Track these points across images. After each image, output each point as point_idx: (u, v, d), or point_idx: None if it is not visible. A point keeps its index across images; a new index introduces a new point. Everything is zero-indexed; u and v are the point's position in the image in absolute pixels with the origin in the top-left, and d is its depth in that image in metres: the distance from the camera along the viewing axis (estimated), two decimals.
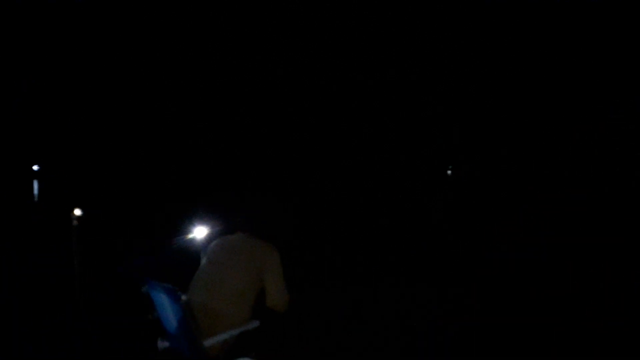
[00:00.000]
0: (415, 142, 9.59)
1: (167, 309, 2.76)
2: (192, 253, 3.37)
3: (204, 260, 3.07)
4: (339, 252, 6.72)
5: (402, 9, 8.45)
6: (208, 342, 2.67)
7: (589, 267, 5.21)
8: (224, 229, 3.25)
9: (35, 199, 8.15)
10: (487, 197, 8.31)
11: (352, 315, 4.41)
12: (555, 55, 8.47)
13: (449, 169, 9.88)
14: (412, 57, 8.93)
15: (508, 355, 3.40)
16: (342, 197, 8.91)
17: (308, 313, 4.25)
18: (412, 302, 4.58)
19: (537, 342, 3.55)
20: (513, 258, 5.66)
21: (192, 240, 3.41)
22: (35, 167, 7.83)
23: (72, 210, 4.06)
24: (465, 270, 5.49)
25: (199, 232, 3.39)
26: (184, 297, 2.58)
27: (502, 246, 6.17)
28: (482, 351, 3.48)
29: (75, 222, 4.04)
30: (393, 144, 9.51)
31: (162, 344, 2.87)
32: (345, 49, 8.69)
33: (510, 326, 3.77)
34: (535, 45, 8.49)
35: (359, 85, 9.09)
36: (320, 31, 8.49)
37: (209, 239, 3.27)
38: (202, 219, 3.45)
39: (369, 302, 4.73)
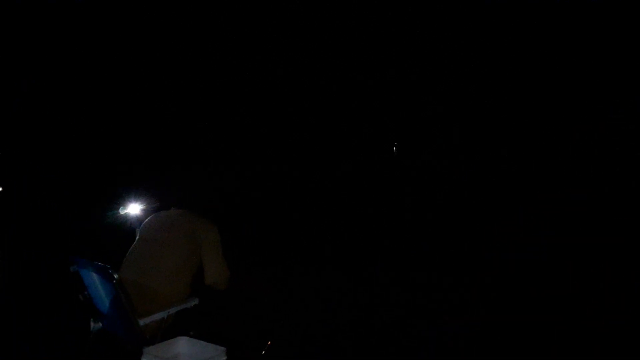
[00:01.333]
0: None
1: (98, 288, 2.63)
2: (126, 230, 3.22)
3: (137, 237, 2.93)
4: (297, 233, 6.65)
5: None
6: (144, 322, 2.55)
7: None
8: (159, 205, 3.12)
9: None
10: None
11: (308, 298, 4.39)
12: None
13: (395, 146, 9.53)
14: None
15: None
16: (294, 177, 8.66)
17: (251, 292, 4.17)
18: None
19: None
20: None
21: (125, 216, 3.23)
22: None
23: None
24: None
25: (133, 208, 3.22)
26: (116, 276, 2.46)
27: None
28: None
29: None
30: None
31: (95, 325, 2.74)
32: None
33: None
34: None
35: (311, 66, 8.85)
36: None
37: (144, 215, 3.11)
38: (137, 194, 3.28)
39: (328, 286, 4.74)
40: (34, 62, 7.59)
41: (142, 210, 3.21)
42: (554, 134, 8.65)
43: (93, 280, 2.64)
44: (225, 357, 2.36)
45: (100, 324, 2.75)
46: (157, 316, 2.61)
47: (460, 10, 8.48)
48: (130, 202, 3.22)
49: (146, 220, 3.00)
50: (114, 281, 2.46)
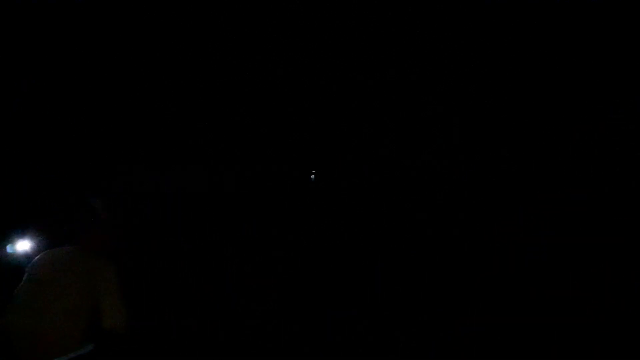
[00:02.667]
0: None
1: None
2: (12, 270, 3.00)
3: (25, 278, 2.75)
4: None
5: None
6: None
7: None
8: (51, 241, 2.95)
9: None
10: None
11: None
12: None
13: (312, 174, 9.53)
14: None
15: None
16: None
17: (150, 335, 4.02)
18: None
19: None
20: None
21: (12, 254, 3.07)
22: None
23: None
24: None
25: (21, 245, 3.00)
26: None
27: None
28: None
29: None
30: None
31: None
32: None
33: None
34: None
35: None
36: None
37: (33, 253, 2.97)
38: (25, 229, 3.08)
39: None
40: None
41: (31, 247, 3.03)
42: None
43: None
44: None
45: None
46: None
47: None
48: (19, 237, 3.04)
49: (36, 258, 2.81)
50: None
